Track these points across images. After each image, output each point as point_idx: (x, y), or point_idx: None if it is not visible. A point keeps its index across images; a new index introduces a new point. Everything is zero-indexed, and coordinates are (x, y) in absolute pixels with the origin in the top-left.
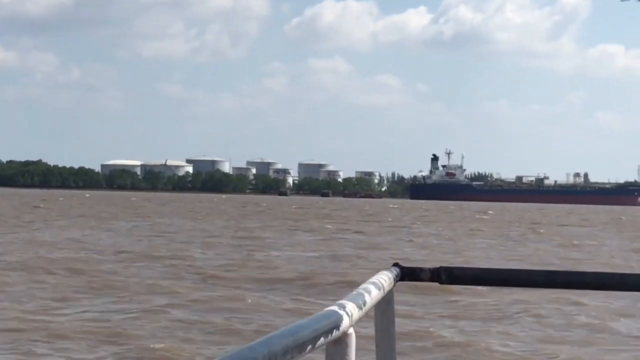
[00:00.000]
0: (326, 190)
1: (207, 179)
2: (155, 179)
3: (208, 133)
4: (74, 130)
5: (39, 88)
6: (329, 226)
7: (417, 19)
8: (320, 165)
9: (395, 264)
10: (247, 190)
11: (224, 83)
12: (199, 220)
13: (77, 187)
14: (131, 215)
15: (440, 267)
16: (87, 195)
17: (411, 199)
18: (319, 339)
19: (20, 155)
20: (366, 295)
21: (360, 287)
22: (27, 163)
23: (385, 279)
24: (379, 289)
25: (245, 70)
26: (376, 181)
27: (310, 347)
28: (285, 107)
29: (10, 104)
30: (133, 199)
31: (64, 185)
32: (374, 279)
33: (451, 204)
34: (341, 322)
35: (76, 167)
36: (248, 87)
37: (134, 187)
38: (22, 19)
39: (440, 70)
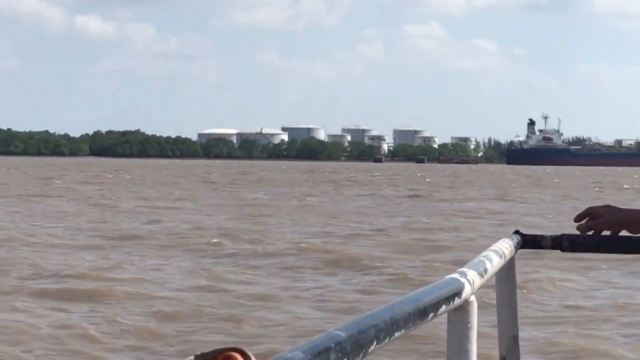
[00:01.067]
0: (421, 157)
1: (302, 147)
2: (251, 147)
3: (303, 101)
4: (171, 100)
5: (137, 58)
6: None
7: None
8: (416, 132)
9: (516, 232)
10: (342, 158)
11: (319, 51)
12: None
13: (175, 156)
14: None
15: (562, 235)
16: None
17: (508, 164)
18: (441, 307)
19: (119, 125)
20: (487, 262)
21: (481, 254)
22: (125, 133)
23: (506, 246)
24: (500, 257)
25: (340, 37)
26: (472, 147)
27: (431, 314)
28: (380, 73)
29: (109, 75)
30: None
31: (161, 154)
32: (494, 246)
33: (548, 169)
34: (463, 289)
35: (173, 136)
36: (343, 54)
37: (230, 156)
38: None
39: (537, 34)
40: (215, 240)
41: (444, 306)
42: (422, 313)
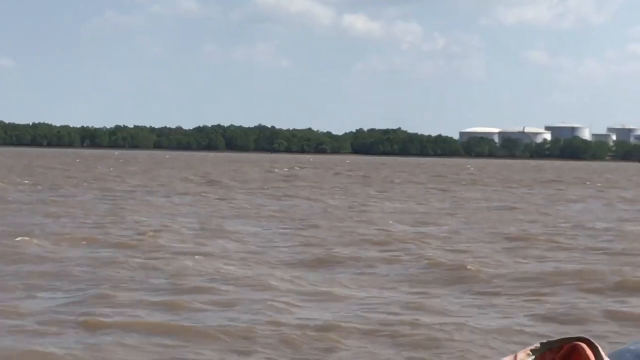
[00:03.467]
0: None
1: (566, 146)
2: (512, 146)
3: (569, 100)
4: (434, 99)
5: (403, 57)
6: None
7: None
8: None
9: None
10: (607, 158)
11: (588, 49)
12: None
13: (435, 155)
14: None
15: None
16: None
17: None
18: None
19: (381, 123)
20: None
21: None
22: (386, 131)
23: None
24: None
25: (609, 35)
26: None
27: None
28: None
29: (373, 74)
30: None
31: (422, 152)
32: None
33: None
34: None
35: (434, 135)
36: (612, 53)
37: (491, 155)
38: None
39: None
40: None
41: None
42: None
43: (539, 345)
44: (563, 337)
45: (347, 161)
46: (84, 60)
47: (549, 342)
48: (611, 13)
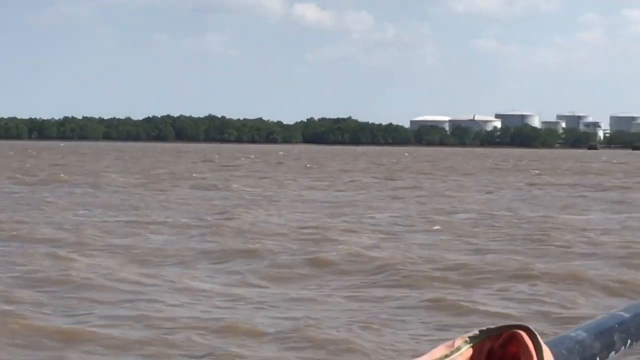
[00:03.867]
0: (638, 144)
1: (516, 134)
2: (463, 134)
3: (519, 87)
4: (385, 88)
5: (355, 47)
6: None
7: None
8: (633, 118)
9: None
10: (556, 145)
11: (538, 36)
12: None
13: (386, 143)
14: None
15: None
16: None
17: None
18: None
19: (332, 112)
20: None
21: None
22: (337, 120)
23: None
24: None
25: (559, 22)
26: None
27: None
28: (599, 59)
29: (327, 63)
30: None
31: (373, 141)
32: None
33: None
34: None
35: (385, 123)
36: (562, 40)
37: (442, 143)
38: None
39: None
40: None
41: None
42: None
43: (477, 332)
44: (503, 324)
45: (281, 153)
46: (32, 51)
47: (487, 330)
48: (560, 1)
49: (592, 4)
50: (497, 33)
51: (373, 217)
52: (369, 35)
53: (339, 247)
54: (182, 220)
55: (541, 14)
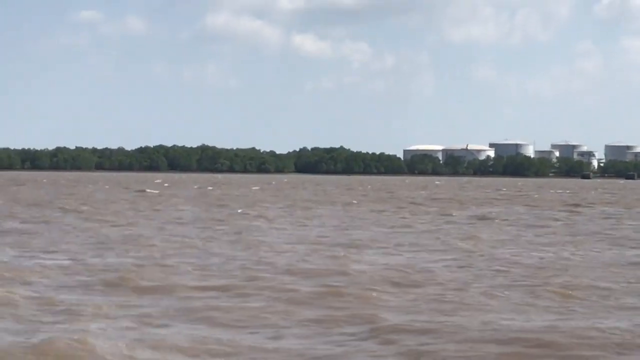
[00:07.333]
0: (631, 173)
1: (509, 163)
2: (456, 163)
3: (513, 116)
4: (379, 117)
5: (351, 76)
6: None
7: None
8: (628, 147)
9: None
10: (550, 174)
11: (534, 66)
12: None
13: (379, 173)
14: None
15: None
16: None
17: None
18: None
19: (325, 142)
20: None
21: None
22: (330, 150)
23: None
24: None
25: (555, 52)
26: None
27: None
28: (595, 88)
29: (321, 93)
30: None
31: (365, 171)
32: None
33: None
34: None
35: (377, 153)
36: (557, 69)
37: (435, 172)
38: (333, 10)
39: None
40: None
41: None
42: None
43: None
44: None
45: (252, 184)
46: (26, 81)
47: None
48: (557, 31)
49: (588, 33)
50: (493, 62)
51: None
52: (366, 65)
53: None
54: None
55: (537, 44)
